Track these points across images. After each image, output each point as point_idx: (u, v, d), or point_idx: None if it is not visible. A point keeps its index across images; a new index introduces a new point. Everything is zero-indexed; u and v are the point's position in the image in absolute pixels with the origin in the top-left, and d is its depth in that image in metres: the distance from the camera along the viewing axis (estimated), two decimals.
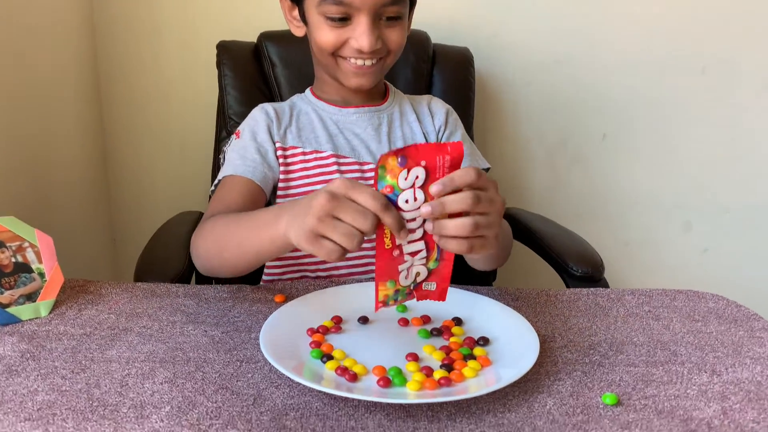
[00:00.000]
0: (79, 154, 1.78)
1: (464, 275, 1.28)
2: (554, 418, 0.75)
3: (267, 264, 1.21)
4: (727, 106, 1.93)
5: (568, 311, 1.02)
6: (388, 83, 1.33)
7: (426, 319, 0.95)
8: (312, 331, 0.91)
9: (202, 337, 0.91)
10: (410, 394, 0.77)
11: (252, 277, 1.24)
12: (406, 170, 0.74)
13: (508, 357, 0.85)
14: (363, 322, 0.94)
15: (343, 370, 0.81)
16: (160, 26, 1.83)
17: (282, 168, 1.19)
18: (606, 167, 1.98)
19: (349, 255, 1.14)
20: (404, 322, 0.95)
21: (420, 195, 0.75)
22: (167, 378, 0.80)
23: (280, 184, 1.19)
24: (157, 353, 0.86)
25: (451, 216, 0.76)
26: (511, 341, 0.89)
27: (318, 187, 1.14)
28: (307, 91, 1.31)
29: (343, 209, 0.73)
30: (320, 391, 0.77)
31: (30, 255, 0.97)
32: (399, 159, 0.73)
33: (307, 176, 1.19)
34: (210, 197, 1.18)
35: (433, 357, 0.86)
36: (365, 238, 0.75)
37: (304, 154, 1.21)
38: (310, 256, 1.16)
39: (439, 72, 1.67)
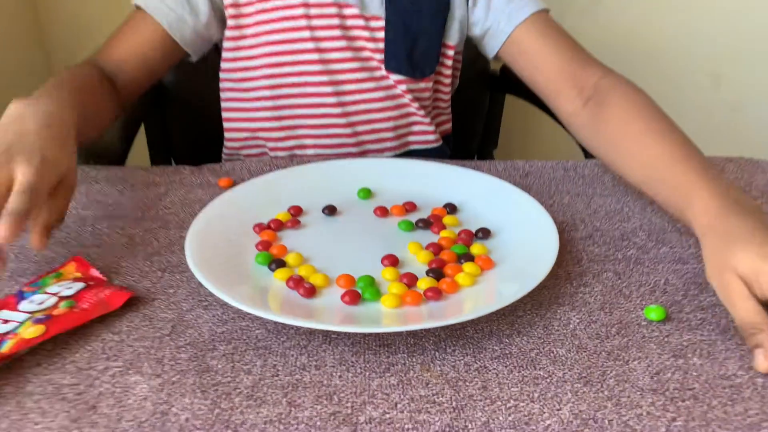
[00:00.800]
0: None
1: (458, 143, 1.05)
2: (581, 344, 0.55)
3: (226, 137, 0.97)
4: None
5: (592, 189, 0.80)
6: None
7: (410, 207, 0.74)
8: (261, 228, 0.69)
9: (117, 238, 0.70)
10: (385, 314, 0.57)
11: (214, 152, 1.02)
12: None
13: (517, 255, 0.64)
14: (329, 213, 0.73)
15: (296, 283, 0.60)
16: None
17: (232, 22, 0.90)
18: (623, 11, 1.70)
19: (317, 132, 0.92)
20: (382, 212, 0.73)
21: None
22: None
23: (227, 44, 0.91)
24: (55, 261, 0.66)
25: None
26: (519, 233, 0.68)
27: (282, 48, 0.88)
28: None
29: None
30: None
31: None
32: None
33: (266, 32, 0.91)
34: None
35: (416, 260, 0.65)
36: None
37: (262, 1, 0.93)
38: (269, 129, 0.92)
39: None
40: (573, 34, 0.90)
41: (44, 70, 1.66)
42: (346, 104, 0.89)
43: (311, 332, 0.56)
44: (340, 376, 0.52)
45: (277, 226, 0.70)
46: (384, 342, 0.55)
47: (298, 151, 0.92)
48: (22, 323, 0.55)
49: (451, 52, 0.92)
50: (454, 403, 0.49)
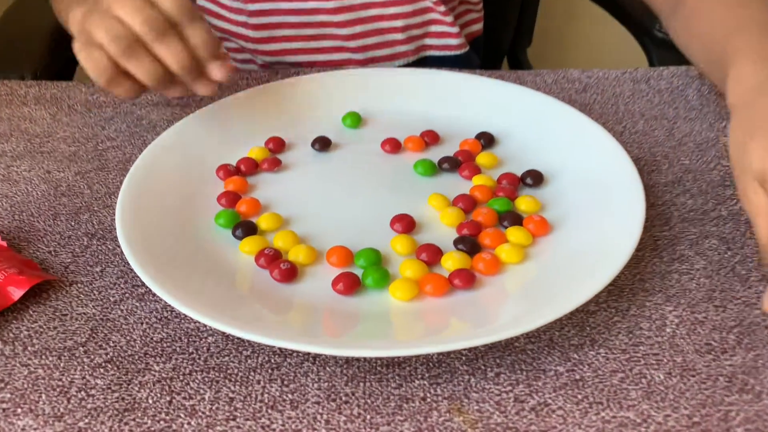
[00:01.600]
0: None
1: (486, 43, 0.83)
2: (686, 362, 0.37)
3: None
4: None
5: (674, 109, 0.59)
6: None
7: (431, 139, 0.54)
8: (226, 172, 0.51)
9: (36, 184, 0.52)
10: (394, 314, 0.39)
11: None
12: None
13: (584, 215, 0.46)
14: (321, 149, 0.54)
15: (270, 260, 0.42)
16: None
17: None
18: None
19: (309, 32, 0.70)
20: (393, 146, 0.54)
21: None
22: None
23: None
24: None
25: None
26: (584, 179, 0.49)
27: None
28: None
29: (127, 5, 0.46)
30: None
31: None
32: None
33: None
34: None
35: (440, 221, 0.46)
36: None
37: None
38: (243, 24, 0.71)
39: None
40: None
41: None
42: None
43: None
44: (327, 420, 0.35)
45: (249, 168, 0.51)
46: (394, 359, 0.38)
47: (282, 58, 0.71)
48: None
49: None
50: None
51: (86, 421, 0.35)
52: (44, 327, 0.40)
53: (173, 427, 0.34)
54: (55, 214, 0.49)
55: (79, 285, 0.43)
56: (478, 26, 0.77)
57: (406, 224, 0.45)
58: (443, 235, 0.45)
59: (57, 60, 0.76)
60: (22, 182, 0.52)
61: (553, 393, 0.36)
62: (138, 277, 0.40)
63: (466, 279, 0.40)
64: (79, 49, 0.47)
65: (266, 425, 0.34)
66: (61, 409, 0.35)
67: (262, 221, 0.46)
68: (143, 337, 0.39)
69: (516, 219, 0.45)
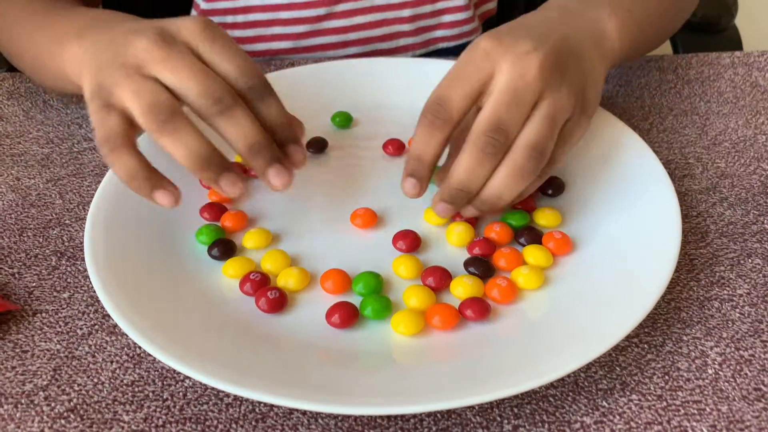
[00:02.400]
0: None
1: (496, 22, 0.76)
2: (733, 411, 0.32)
3: None
4: None
5: (705, 103, 0.54)
6: None
7: None
8: None
9: (6, 193, 0.47)
10: (397, 354, 0.35)
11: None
12: None
13: (608, 227, 0.41)
14: (316, 151, 0.49)
15: (257, 286, 0.38)
16: None
17: None
18: None
19: (302, 29, 0.62)
20: (396, 148, 0.48)
21: None
22: None
23: None
24: None
25: None
26: (609, 186, 0.43)
27: None
28: None
29: (179, 67, 0.36)
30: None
31: None
32: None
33: None
34: None
35: (447, 239, 0.41)
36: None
37: None
38: (222, 11, 0.64)
39: None
40: None
41: None
42: None
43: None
44: None
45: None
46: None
47: (266, 45, 0.64)
48: None
49: None
50: None
51: None
52: (2, 367, 0.35)
53: None
54: (21, 229, 0.44)
55: (43, 314, 0.38)
56: (492, 4, 0.70)
57: (410, 242, 0.40)
58: (452, 255, 0.40)
59: None
60: None
61: None
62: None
63: (479, 310, 0.35)
64: (94, 109, 0.37)
65: None
66: None
67: (249, 238, 0.41)
68: (112, 380, 0.34)
69: (535, 236, 0.40)
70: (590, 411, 0.32)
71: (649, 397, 0.33)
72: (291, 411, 0.33)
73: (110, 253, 0.38)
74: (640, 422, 0.32)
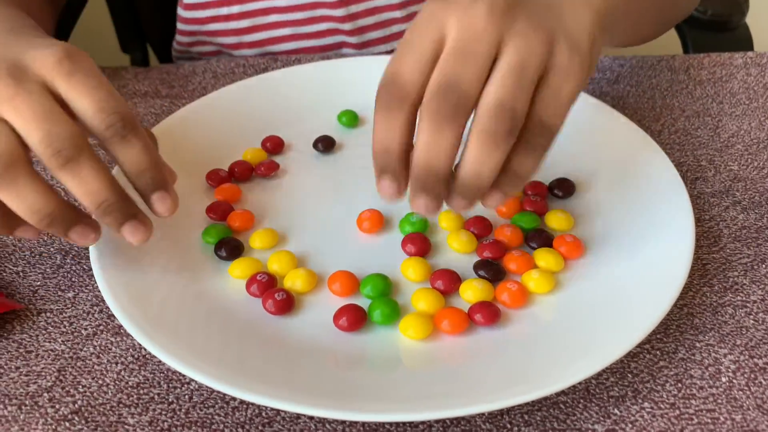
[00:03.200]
0: None
1: None
2: (747, 421, 0.32)
3: (178, 27, 0.67)
4: None
5: (718, 104, 0.53)
6: None
7: None
8: (218, 178, 0.45)
9: None
10: (405, 362, 0.34)
11: (163, 47, 0.76)
12: None
13: (620, 231, 0.40)
14: (324, 150, 0.48)
15: (264, 287, 0.37)
16: None
17: None
18: None
19: (299, 16, 0.61)
20: None
21: None
22: None
23: None
24: None
25: None
26: (620, 188, 0.43)
27: None
28: None
29: (21, 108, 0.32)
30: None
31: None
32: None
33: None
34: None
35: (456, 243, 0.40)
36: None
37: None
38: (215, 19, 0.63)
39: None
40: None
41: None
42: None
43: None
44: None
45: (243, 173, 0.46)
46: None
47: (266, 48, 0.64)
48: None
49: None
50: None
51: None
52: (5, 368, 0.35)
53: None
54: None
55: (47, 314, 0.38)
56: None
57: (420, 246, 0.39)
58: (461, 258, 0.39)
59: None
60: None
61: None
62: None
63: (489, 315, 0.35)
64: None
65: None
66: None
67: (256, 238, 0.40)
68: (117, 381, 0.34)
69: (545, 239, 0.40)
70: (601, 419, 0.32)
71: (662, 405, 0.32)
72: (298, 416, 0.32)
73: (115, 253, 0.37)
74: (652, 431, 0.31)
